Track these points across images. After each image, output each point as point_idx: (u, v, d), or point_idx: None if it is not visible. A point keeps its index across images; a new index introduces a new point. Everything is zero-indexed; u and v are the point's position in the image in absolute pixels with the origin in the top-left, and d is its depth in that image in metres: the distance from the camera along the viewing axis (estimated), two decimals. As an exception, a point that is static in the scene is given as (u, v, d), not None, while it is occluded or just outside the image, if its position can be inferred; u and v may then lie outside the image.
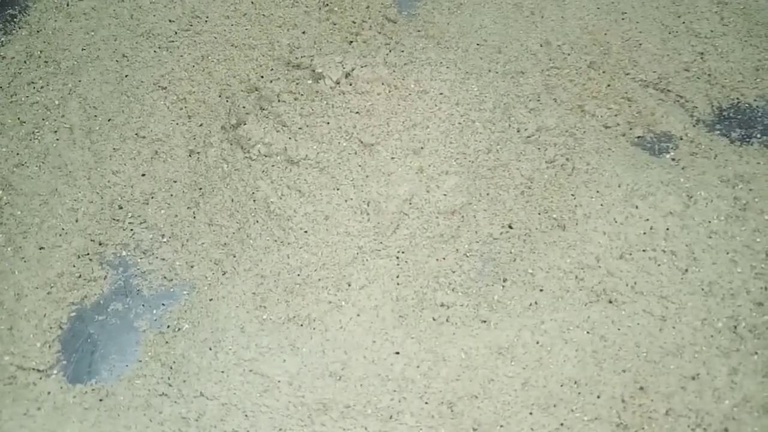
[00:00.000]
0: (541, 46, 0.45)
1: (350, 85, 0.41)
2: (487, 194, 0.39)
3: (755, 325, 0.36)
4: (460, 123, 0.41)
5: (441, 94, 0.41)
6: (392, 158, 0.39)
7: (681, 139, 0.42)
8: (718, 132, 0.43)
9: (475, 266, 0.38)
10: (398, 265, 0.37)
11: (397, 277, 0.36)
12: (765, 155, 0.42)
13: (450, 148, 0.40)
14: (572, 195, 0.40)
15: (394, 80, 0.41)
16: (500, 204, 0.39)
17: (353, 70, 0.41)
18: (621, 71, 0.45)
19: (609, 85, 0.44)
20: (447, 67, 0.43)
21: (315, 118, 0.40)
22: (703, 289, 0.37)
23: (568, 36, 0.46)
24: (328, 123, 0.40)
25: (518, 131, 0.41)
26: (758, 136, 0.43)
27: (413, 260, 0.37)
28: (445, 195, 0.38)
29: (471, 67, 0.44)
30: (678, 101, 0.44)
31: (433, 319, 0.36)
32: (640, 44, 0.46)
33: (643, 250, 0.38)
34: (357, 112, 0.40)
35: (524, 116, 0.42)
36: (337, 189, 0.38)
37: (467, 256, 0.38)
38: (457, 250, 0.37)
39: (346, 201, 0.38)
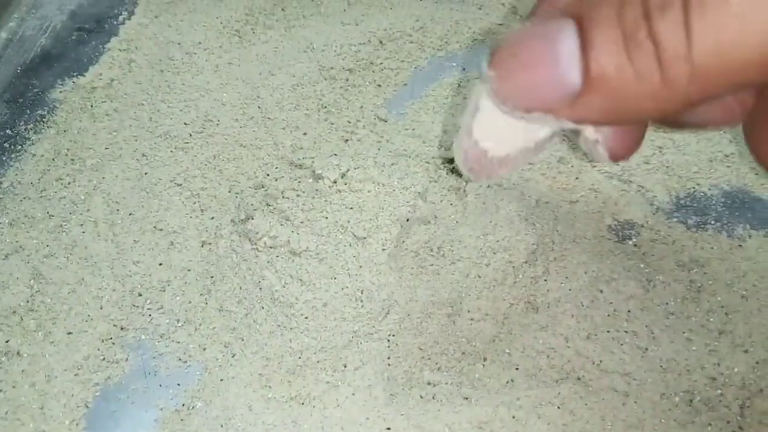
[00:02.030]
0: (516, 142, 0.51)
1: (345, 184, 0.46)
2: (464, 289, 0.44)
3: (709, 398, 0.40)
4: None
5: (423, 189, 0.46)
6: (383, 249, 0.44)
7: (642, 226, 0.47)
8: (676, 219, 0.48)
9: (459, 347, 0.42)
10: (389, 347, 0.41)
11: (388, 358, 0.41)
12: (718, 240, 0.46)
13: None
14: (545, 280, 0.44)
15: (382, 178, 0.47)
16: (482, 289, 0.44)
17: (348, 171, 0.46)
18: (588, 165, 0.50)
19: (577, 178, 0.49)
20: (427, 163, 0.49)
21: (315, 213, 0.45)
22: (661, 366, 0.41)
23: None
24: (326, 218, 0.45)
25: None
26: (712, 222, 0.48)
27: (402, 342, 0.42)
28: (424, 292, 0.43)
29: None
30: (639, 191, 0.49)
31: (421, 397, 0.40)
32: (605, 140, 0.51)
33: (608, 331, 0.42)
34: (351, 208, 0.45)
35: (501, 208, 0.47)
36: (334, 278, 0.43)
37: (450, 339, 0.42)
38: (441, 332, 0.42)
39: (342, 289, 0.43)
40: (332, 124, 0.52)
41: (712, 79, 0.20)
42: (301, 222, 0.45)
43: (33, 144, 0.52)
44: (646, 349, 0.41)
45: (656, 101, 0.21)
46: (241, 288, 0.44)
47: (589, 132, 0.28)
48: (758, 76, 0.20)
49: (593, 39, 0.21)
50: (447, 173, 0.49)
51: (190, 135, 0.51)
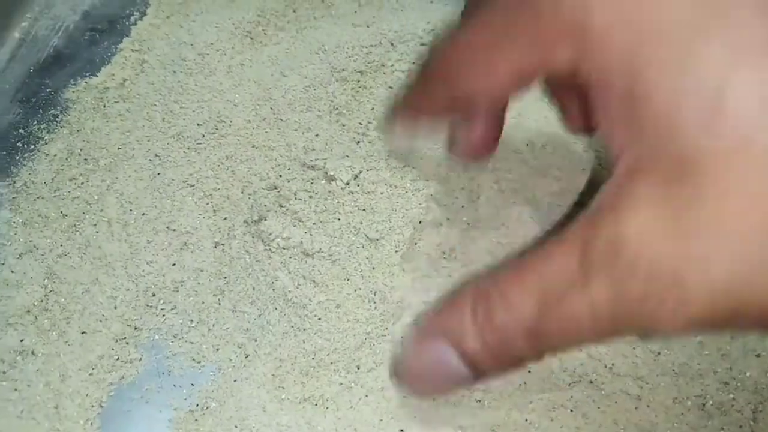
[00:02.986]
0: (526, 145, 0.51)
1: (357, 185, 0.46)
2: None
3: (722, 402, 0.40)
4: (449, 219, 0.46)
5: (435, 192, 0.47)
6: (396, 251, 0.44)
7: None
8: (688, 223, 0.48)
9: (471, 349, 0.42)
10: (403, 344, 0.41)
11: (401, 361, 0.41)
12: (730, 244, 0.47)
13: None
14: (557, 283, 0.44)
15: (394, 180, 0.47)
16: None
17: (360, 173, 0.46)
18: (600, 167, 0.50)
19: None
20: (438, 165, 0.49)
21: (327, 215, 0.45)
22: (674, 370, 0.41)
23: (550, 137, 0.51)
24: (339, 219, 0.45)
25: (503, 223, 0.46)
26: (724, 226, 0.48)
27: (415, 344, 0.42)
28: (437, 294, 0.43)
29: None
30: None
31: (433, 400, 0.40)
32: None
33: (620, 335, 0.42)
34: (363, 210, 0.45)
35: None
36: (348, 279, 0.43)
37: (463, 341, 0.42)
38: (454, 336, 0.42)
39: (355, 290, 0.43)
40: (344, 125, 0.52)
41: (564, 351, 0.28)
42: (314, 223, 0.45)
43: (46, 144, 0.53)
44: (659, 353, 0.41)
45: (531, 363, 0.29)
46: (254, 289, 0.44)
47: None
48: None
49: (471, 354, 0.28)
50: (458, 175, 0.49)
51: (203, 136, 0.51)
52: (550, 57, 0.26)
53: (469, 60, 0.30)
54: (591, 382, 0.41)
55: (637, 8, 0.25)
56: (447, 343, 0.28)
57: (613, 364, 0.41)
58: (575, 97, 0.35)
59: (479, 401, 0.40)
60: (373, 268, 0.44)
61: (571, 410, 0.40)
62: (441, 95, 0.33)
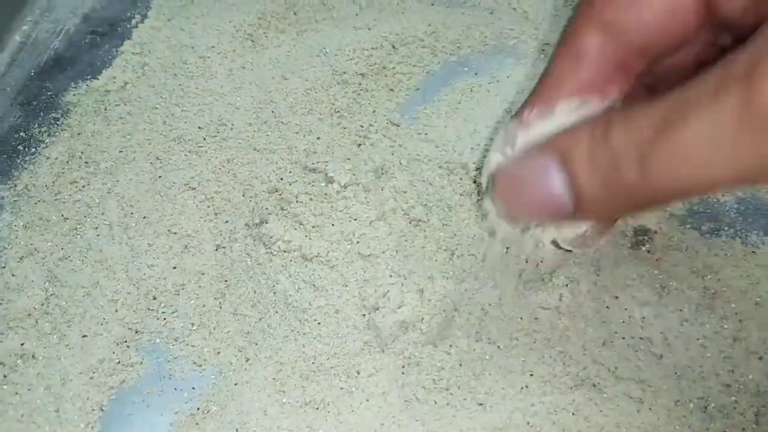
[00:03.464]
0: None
1: (353, 193, 0.46)
2: (478, 295, 0.44)
3: (724, 405, 0.40)
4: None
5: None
6: (396, 252, 0.44)
7: (655, 232, 0.47)
8: (689, 225, 0.48)
9: (473, 352, 0.42)
10: (402, 354, 0.41)
11: (403, 367, 0.41)
12: (732, 247, 0.46)
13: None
14: (558, 285, 0.44)
15: (394, 183, 0.47)
16: (496, 295, 0.44)
17: (357, 177, 0.46)
18: (601, 170, 0.50)
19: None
20: (440, 167, 0.49)
21: (324, 219, 0.45)
22: (676, 373, 0.41)
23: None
24: (333, 225, 0.45)
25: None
26: (726, 228, 0.47)
27: (416, 348, 0.42)
28: (438, 297, 0.43)
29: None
30: (653, 197, 0.49)
31: (435, 403, 0.40)
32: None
33: (622, 338, 0.42)
34: (356, 219, 0.45)
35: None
36: (346, 286, 0.43)
37: (464, 344, 0.42)
38: (454, 341, 0.42)
39: (353, 297, 0.43)
40: (345, 128, 0.52)
41: (672, 198, 0.26)
42: (313, 226, 0.45)
43: (47, 147, 0.53)
44: (661, 356, 0.41)
45: (637, 208, 0.27)
46: (255, 292, 0.44)
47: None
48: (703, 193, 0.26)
49: (576, 174, 0.26)
50: (460, 178, 0.49)
51: (204, 139, 0.51)
52: None
53: None
54: (593, 385, 0.40)
55: None
56: (555, 159, 0.27)
57: (615, 368, 0.41)
58: None
59: (481, 404, 0.40)
60: (366, 281, 0.43)
61: (573, 413, 0.39)
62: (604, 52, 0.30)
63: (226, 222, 0.48)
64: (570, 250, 0.39)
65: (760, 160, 0.22)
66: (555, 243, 0.38)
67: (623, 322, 0.42)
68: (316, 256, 0.44)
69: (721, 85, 0.22)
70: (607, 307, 0.43)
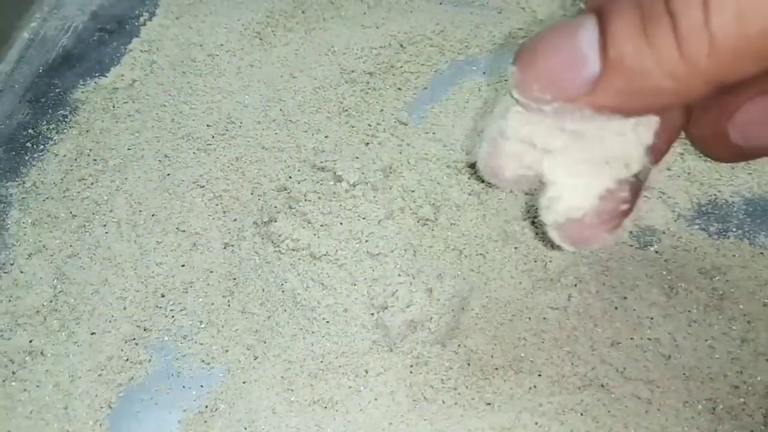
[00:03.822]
0: (537, 147, 0.51)
1: (361, 191, 0.46)
2: (486, 295, 0.44)
3: (732, 406, 0.40)
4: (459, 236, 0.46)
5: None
6: (405, 251, 0.44)
7: (663, 233, 0.47)
8: (697, 226, 0.48)
9: (482, 352, 0.42)
10: (411, 354, 0.41)
11: (411, 366, 0.41)
12: (740, 248, 0.46)
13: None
14: (567, 286, 0.44)
15: (402, 182, 0.47)
16: (504, 295, 0.44)
17: (366, 175, 0.46)
18: (609, 170, 0.50)
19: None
20: (448, 167, 0.49)
21: (332, 218, 0.45)
22: (684, 374, 0.41)
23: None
24: (342, 224, 0.45)
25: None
26: (734, 230, 0.47)
27: (425, 348, 0.42)
28: (446, 296, 0.42)
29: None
30: (661, 197, 0.49)
31: (443, 402, 0.40)
32: (627, 146, 0.51)
33: (631, 338, 0.42)
34: (364, 218, 0.45)
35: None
36: (354, 284, 0.43)
37: (472, 343, 0.42)
38: (461, 340, 0.42)
39: (362, 296, 0.43)
40: (353, 127, 0.52)
41: (734, 53, 0.19)
42: (321, 225, 0.45)
43: (55, 144, 0.53)
44: (669, 356, 0.41)
45: (676, 80, 0.20)
46: (263, 290, 0.44)
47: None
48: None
49: (611, 25, 0.21)
50: (468, 177, 0.49)
51: (213, 137, 0.51)
52: None
53: None
54: (602, 385, 0.40)
55: None
56: (590, 17, 0.22)
57: (624, 368, 0.41)
58: None
59: (489, 404, 0.40)
60: (375, 280, 0.43)
61: (582, 414, 0.39)
62: None
63: (235, 220, 0.48)
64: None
65: None
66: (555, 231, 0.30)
67: (631, 322, 0.42)
68: (325, 255, 0.44)
69: None
70: (616, 307, 0.43)
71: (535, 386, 0.41)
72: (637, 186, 0.27)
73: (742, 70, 0.20)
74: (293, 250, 0.45)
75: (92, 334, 0.43)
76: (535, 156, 0.28)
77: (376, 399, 0.40)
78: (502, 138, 0.28)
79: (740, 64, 0.20)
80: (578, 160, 0.27)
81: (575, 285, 0.44)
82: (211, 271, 0.46)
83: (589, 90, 0.22)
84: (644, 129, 0.26)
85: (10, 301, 0.45)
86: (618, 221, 0.27)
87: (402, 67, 0.55)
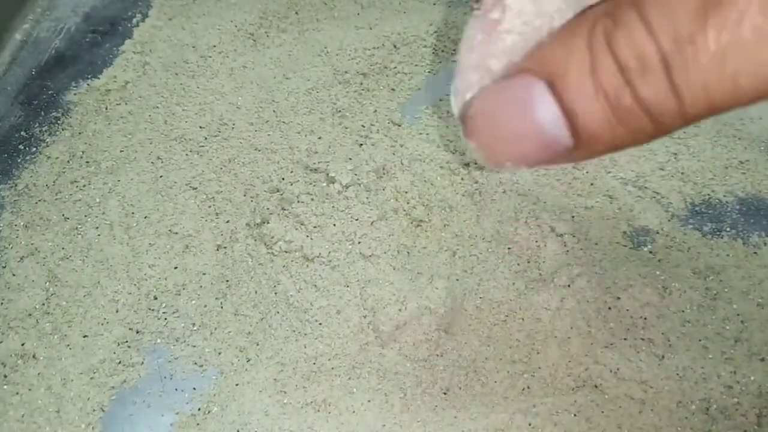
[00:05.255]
0: (531, 148, 0.50)
1: (354, 193, 0.46)
2: (479, 296, 0.44)
3: (726, 407, 0.40)
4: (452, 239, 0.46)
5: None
6: (398, 253, 0.44)
7: (657, 233, 0.47)
8: (691, 226, 0.48)
9: (475, 353, 0.42)
10: (404, 355, 0.41)
11: (404, 367, 0.41)
12: (734, 248, 0.46)
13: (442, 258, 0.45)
14: (561, 286, 0.44)
15: (396, 183, 0.47)
16: (498, 295, 0.44)
17: (359, 177, 0.46)
18: (603, 170, 0.50)
19: (592, 184, 0.49)
20: (441, 167, 0.49)
21: (325, 219, 0.45)
22: (678, 374, 0.41)
23: (555, 138, 0.51)
24: (335, 225, 0.45)
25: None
26: (728, 229, 0.47)
27: (417, 350, 0.41)
28: (439, 297, 0.42)
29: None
30: (654, 197, 0.49)
31: (436, 404, 0.40)
32: (620, 146, 0.51)
33: (624, 339, 0.42)
34: (357, 219, 0.45)
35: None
36: (347, 286, 0.43)
37: (465, 345, 0.42)
38: (454, 342, 0.42)
39: (355, 298, 0.43)
40: (346, 128, 0.52)
41: (707, 114, 0.20)
42: (314, 226, 0.45)
43: (48, 146, 0.53)
44: (663, 357, 0.41)
45: (649, 139, 0.21)
46: (256, 292, 0.44)
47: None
48: (756, 99, 0.19)
49: (575, 104, 0.20)
50: (461, 178, 0.49)
51: (205, 138, 0.51)
52: None
53: None
54: (595, 386, 0.40)
55: None
56: (541, 79, 0.20)
57: (617, 369, 0.41)
58: None
59: (483, 405, 0.40)
60: (368, 281, 0.43)
61: (575, 414, 0.39)
62: None
63: (228, 222, 0.47)
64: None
65: None
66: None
67: (625, 323, 0.42)
68: (318, 257, 0.44)
69: None
70: (609, 308, 0.43)
71: (528, 387, 0.40)
72: None
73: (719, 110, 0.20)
74: (286, 251, 0.45)
75: (84, 336, 0.43)
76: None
77: (369, 401, 0.40)
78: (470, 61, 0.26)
79: (716, 113, 0.20)
80: None
81: (568, 285, 0.43)
82: (204, 273, 0.46)
83: (565, 155, 0.22)
84: None
85: (2, 304, 0.45)
86: None
87: (395, 67, 0.55)
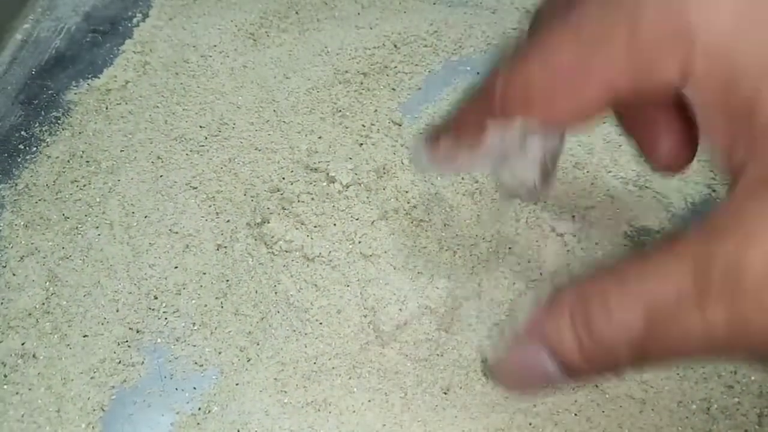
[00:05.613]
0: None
1: (354, 192, 0.46)
2: (480, 296, 0.43)
3: (726, 406, 0.40)
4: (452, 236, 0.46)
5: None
6: (398, 251, 0.44)
7: (658, 233, 0.47)
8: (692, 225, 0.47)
9: (475, 353, 0.42)
10: (405, 355, 0.41)
11: (404, 367, 0.41)
12: (734, 247, 0.46)
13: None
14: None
15: (396, 182, 0.47)
16: (498, 295, 0.44)
17: (359, 176, 0.46)
18: (603, 170, 0.50)
19: (593, 183, 0.49)
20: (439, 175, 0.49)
21: (325, 219, 0.45)
22: (678, 374, 0.41)
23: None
24: (335, 225, 0.45)
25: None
26: (728, 229, 0.47)
27: (418, 349, 0.41)
28: (440, 297, 0.42)
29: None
30: (655, 197, 0.49)
31: (437, 404, 0.40)
32: (620, 145, 0.51)
33: (625, 338, 0.42)
34: (357, 219, 0.45)
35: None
36: (348, 286, 0.43)
37: (466, 344, 0.42)
38: (455, 341, 0.42)
39: (355, 297, 0.43)
40: (347, 128, 0.52)
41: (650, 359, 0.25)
42: (315, 226, 0.45)
43: (48, 146, 0.53)
44: (663, 356, 0.41)
45: (628, 369, 0.26)
46: (256, 292, 0.44)
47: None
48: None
49: (570, 362, 0.26)
50: (462, 178, 0.49)
51: (206, 138, 0.51)
52: (653, 69, 0.23)
53: (548, 83, 0.25)
54: (596, 386, 0.40)
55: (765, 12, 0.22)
56: (544, 348, 0.26)
57: (617, 368, 0.41)
58: (667, 122, 0.30)
59: (483, 405, 0.40)
60: (369, 281, 0.43)
61: (576, 414, 0.39)
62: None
63: (228, 221, 0.47)
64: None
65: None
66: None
67: (626, 322, 0.42)
68: (318, 256, 0.44)
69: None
70: (610, 307, 0.43)
71: (529, 387, 0.40)
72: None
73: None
74: (286, 251, 0.45)
75: (85, 336, 0.43)
76: None
77: (369, 400, 0.40)
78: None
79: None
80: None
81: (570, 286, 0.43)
82: (204, 273, 0.46)
83: (566, 382, 0.27)
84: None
85: (1, 303, 0.45)
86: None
87: (396, 67, 0.55)
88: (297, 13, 0.59)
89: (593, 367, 0.25)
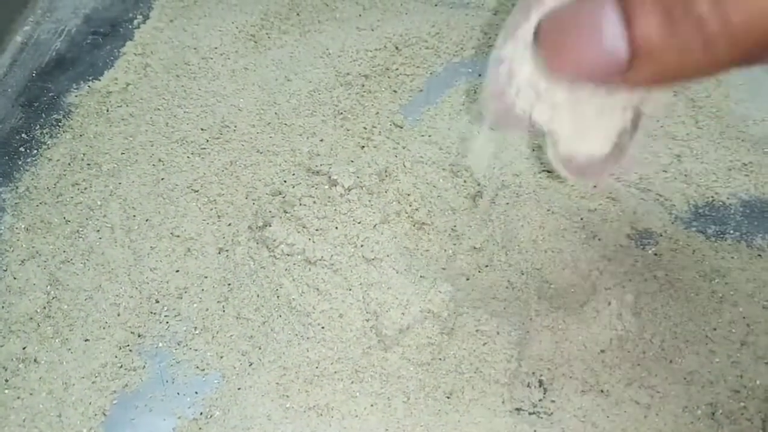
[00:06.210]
0: (533, 150, 0.50)
1: (356, 195, 0.45)
2: (477, 300, 0.43)
3: (732, 411, 0.40)
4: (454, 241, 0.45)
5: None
6: (400, 255, 0.44)
7: (661, 235, 0.47)
8: (695, 228, 0.47)
9: (479, 357, 0.42)
10: (406, 359, 0.41)
11: (406, 371, 0.40)
12: (738, 250, 0.46)
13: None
14: (565, 289, 0.44)
15: (397, 185, 0.46)
16: (501, 298, 0.44)
17: (361, 179, 0.46)
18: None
19: (595, 186, 0.49)
20: (443, 169, 0.48)
21: (327, 222, 0.45)
22: (684, 378, 0.41)
23: (559, 140, 0.51)
24: (337, 228, 0.44)
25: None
26: (731, 231, 0.47)
27: (420, 354, 0.41)
28: (442, 301, 0.42)
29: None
30: (658, 200, 0.48)
31: (439, 407, 0.40)
32: (623, 148, 0.50)
33: (631, 342, 0.42)
34: (359, 222, 0.45)
35: (520, 217, 0.47)
36: (350, 290, 0.43)
37: (468, 348, 0.42)
38: (457, 345, 0.42)
39: (357, 301, 0.42)
40: (348, 130, 0.52)
41: (751, 43, 0.21)
42: (317, 229, 0.45)
43: (49, 148, 0.52)
44: (670, 360, 0.41)
45: (699, 66, 0.22)
46: (258, 296, 0.44)
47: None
48: None
49: (636, 14, 0.22)
50: (464, 180, 0.48)
51: (207, 141, 0.51)
52: None
53: None
54: (601, 390, 0.40)
55: None
56: (612, 2, 0.22)
57: (623, 372, 0.40)
58: None
59: (486, 410, 0.39)
60: (371, 285, 0.43)
61: (581, 419, 0.39)
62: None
63: (229, 225, 0.47)
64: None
65: None
66: (565, 163, 0.30)
67: (630, 326, 0.42)
68: (320, 260, 0.44)
69: None
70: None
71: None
72: (636, 120, 0.28)
73: (760, 54, 0.21)
74: (288, 255, 0.44)
75: (86, 340, 0.43)
76: (536, 103, 0.28)
77: (371, 405, 0.40)
78: (509, 75, 0.29)
79: (757, 50, 0.21)
80: (580, 113, 0.27)
81: (573, 288, 0.43)
82: (206, 277, 0.45)
83: (620, 73, 0.23)
84: None
85: (3, 307, 0.44)
86: (619, 155, 0.29)
87: (397, 69, 0.55)
88: (298, 14, 0.59)
89: (673, 47, 0.21)
